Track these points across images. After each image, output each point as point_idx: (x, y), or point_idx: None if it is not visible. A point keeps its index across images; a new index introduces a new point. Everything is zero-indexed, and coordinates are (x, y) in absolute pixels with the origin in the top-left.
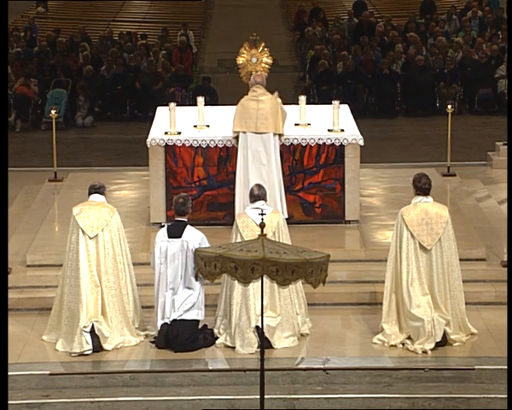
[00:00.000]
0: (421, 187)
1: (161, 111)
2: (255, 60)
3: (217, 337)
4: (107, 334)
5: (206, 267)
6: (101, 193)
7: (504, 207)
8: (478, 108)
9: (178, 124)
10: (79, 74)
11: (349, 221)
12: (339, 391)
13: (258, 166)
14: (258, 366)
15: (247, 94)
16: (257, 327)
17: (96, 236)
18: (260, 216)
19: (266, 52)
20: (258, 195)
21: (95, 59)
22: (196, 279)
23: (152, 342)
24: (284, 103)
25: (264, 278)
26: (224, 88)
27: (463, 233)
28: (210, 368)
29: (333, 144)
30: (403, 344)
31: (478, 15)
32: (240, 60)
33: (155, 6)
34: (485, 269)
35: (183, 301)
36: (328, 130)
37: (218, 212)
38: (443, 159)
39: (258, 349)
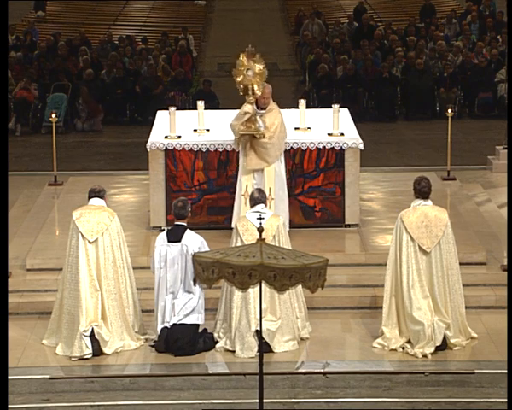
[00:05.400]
0: (420, 190)
1: (161, 115)
2: (251, 73)
3: (217, 341)
4: (107, 338)
5: (204, 273)
6: (101, 197)
7: (504, 211)
8: (478, 112)
9: (178, 128)
10: (79, 78)
11: (349, 225)
12: (339, 395)
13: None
14: (258, 370)
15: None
16: (257, 331)
17: (96, 240)
18: (259, 220)
19: (263, 64)
20: (257, 198)
21: (95, 63)
22: (195, 284)
23: (152, 346)
24: (284, 107)
25: (263, 283)
26: (224, 92)
27: (463, 237)
28: (210, 372)
29: (333, 148)
30: (403, 348)
31: (477, 19)
32: (236, 72)
33: (155, 10)
34: (485, 273)
35: (183, 305)
36: (328, 134)
37: (218, 216)
38: (443, 163)
39: (258, 353)
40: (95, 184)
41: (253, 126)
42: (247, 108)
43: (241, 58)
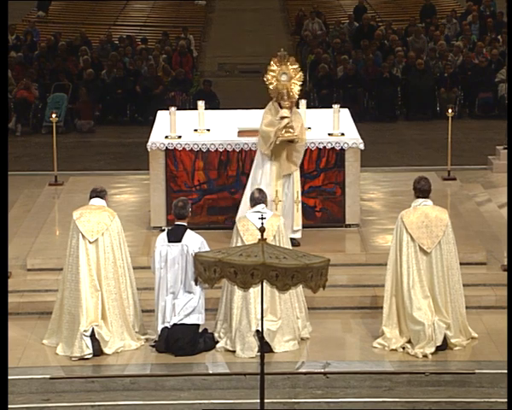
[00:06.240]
0: (420, 188)
1: (162, 115)
2: (285, 77)
3: (217, 341)
4: (108, 338)
5: (206, 272)
6: (102, 197)
7: (505, 211)
8: (478, 112)
9: (179, 128)
10: (80, 78)
11: (349, 225)
12: (339, 395)
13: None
14: (259, 370)
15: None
16: (257, 331)
17: (96, 240)
18: (260, 220)
19: (297, 68)
20: (258, 198)
21: (95, 63)
22: (196, 284)
23: (152, 346)
24: None
25: (265, 283)
26: (224, 92)
27: (464, 237)
28: (210, 372)
29: (333, 148)
30: (403, 348)
31: (478, 19)
32: (268, 78)
33: (156, 10)
34: (486, 273)
35: (184, 305)
36: (329, 134)
37: (219, 216)
38: (443, 163)
39: (259, 353)
40: (97, 185)
41: (291, 131)
42: (286, 113)
43: (273, 63)
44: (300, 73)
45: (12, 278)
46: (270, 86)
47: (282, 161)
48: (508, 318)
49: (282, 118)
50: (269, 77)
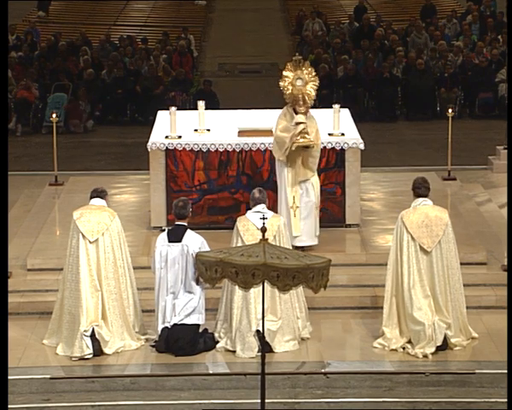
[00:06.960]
0: (419, 187)
1: (162, 115)
2: (300, 82)
3: (217, 341)
4: (108, 338)
5: (207, 272)
6: (102, 197)
7: (505, 211)
8: (478, 112)
9: (179, 128)
10: (80, 78)
11: (349, 225)
12: (339, 395)
13: None
14: (259, 370)
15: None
16: (257, 331)
17: (97, 240)
18: (262, 220)
19: (312, 72)
20: (258, 198)
21: (95, 63)
22: (197, 284)
23: (152, 346)
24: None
25: (265, 283)
26: (224, 92)
27: (464, 237)
28: (210, 372)
29: (333, 148)
30: (403, 348)
31: (478, 19)
32: (284, 84)
33: (156, 10)
34: (486, 273)
35: (184, 305)
36: (329, 134)
37: (219, 216)
38: (443, 163)
39: (259, 353)
40: (97, 185)
41: (307, 136)
42: (301, 118)
43: (288, 68)
44: (316, 77)
45: (12, 278)
46: (286, 92)
47: (298, 167)
48: (508, 318)
49: (298, 123)
50: (284, 82)
